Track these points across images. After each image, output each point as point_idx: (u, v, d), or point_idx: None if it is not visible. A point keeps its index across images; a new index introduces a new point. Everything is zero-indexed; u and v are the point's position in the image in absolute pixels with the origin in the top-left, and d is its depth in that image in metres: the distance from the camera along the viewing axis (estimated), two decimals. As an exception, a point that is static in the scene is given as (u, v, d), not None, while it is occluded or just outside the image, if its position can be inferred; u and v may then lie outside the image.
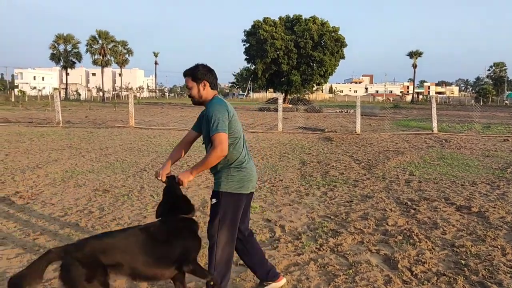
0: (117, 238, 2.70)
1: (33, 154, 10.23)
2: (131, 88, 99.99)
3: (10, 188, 6.71)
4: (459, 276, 3.60)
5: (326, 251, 4.21)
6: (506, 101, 78.42)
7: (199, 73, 3.03)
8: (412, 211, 5.64)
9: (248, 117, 27.18)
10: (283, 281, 3.39)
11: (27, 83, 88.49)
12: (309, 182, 7.51)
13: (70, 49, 67.66)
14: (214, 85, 3.08)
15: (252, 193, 3.15)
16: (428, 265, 3.83)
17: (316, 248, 4.29)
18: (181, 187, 3.01)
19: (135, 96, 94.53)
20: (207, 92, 3.05)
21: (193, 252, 2.83)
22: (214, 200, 3.04)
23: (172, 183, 2.99)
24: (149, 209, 5.63)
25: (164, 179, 3.02)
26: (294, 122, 22.20)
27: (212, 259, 2.98)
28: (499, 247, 4.31)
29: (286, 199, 6.32)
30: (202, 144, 3.19)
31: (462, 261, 3.94)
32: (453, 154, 11.12)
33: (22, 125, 18.42)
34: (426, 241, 4.45)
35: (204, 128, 3.05)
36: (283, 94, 44.43)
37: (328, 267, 3.82)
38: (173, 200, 2.97)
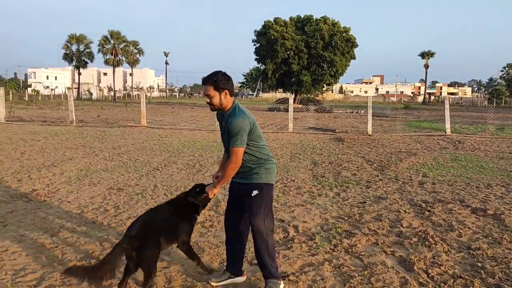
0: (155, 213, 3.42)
1: (48, 153, 10.37)
2: (141, 88, 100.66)
3: (27, 186, 6.81)
4: (476, 279, 3.58)
5: (341, 252, 4.21)
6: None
7: (221, 83, 3.13)
8: (427, 213, 5.61)
9: (258, 117, 27.19)
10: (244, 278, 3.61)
11: (40, 82, 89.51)
12: (321, 183, 7.50)
13: (82, 49, 68.29)
14: (232, 92, 3.25)
15: None
16: (445, 268, 3.81)
17: (330, 248, 4.29)
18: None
19: (146, 95, 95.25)
20: (227, 100, 3.20)
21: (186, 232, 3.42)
22: (255, 192, 3.23)
23: (198, 193, 3.47)
24: (164, 208, 5.67)
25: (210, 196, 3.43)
26: (305, 122, 22.17)
27: (264, 247, 3.23)
28: (516, 250, 4.27)
29: (299, 200, 6.32)
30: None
31: (478, 263, 3.92)
32: (467, 156, 11.02)
33: (37, 124, 18.65)
34: (441, 243, 4.42)
35: (224, 133, 3.25)
36: (293, 94, 44.35)
37: (343, 268, 3.82)
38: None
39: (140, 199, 6.17)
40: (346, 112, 35.96)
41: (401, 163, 9.64)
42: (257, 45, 45.97)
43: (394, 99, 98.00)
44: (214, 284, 3.46)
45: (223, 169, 3.28)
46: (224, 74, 3.19)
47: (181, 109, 36.94)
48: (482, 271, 3.74)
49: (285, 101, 37.64)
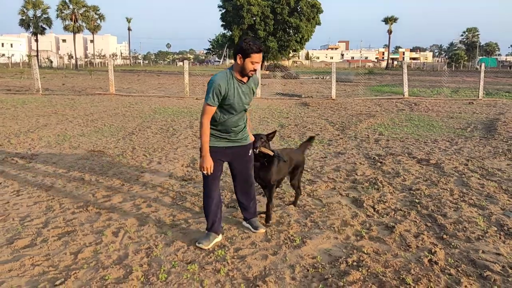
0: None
1: (21, 120, 10.54)
2: (104, 55, 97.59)
3: (9, 150, 7.15)
4: (412, 211, 4.38)
5: (304, 195, 4.92)
6: (477, 66, 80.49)
7: None
8: (379, 164, 6.41)
9: (226, 84, 27.43)
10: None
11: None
12: (288, 142, 8.18)
13: (39, 15, 65.27)
14: None
15: None
16: (388, 204, 4.60)
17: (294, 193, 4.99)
18: None
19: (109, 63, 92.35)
20: None
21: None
22: (250, 151, 3.80)
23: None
24: (144, 166, 6.22)
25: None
26: (272, 89, 22.73)
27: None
28: (449, 189, 5.12)
29: (268, 156, 6.98)
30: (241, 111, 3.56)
31: (416, 200, 4.73)
32: (420, 117, 11.98)
33: (1, 92, 18.35)
34: (388, 186, 5.22)
35: (254, 92, 3.63)
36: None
37: (305, 207, 4.54)
38: None
39: (122, 159, 6.66)
40: (312, 78, 36.70)
41: (361, 124, 10.46)
42: (223, 11, 45.57)
43: (359, 64, 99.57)
44: (206, 247, 3.50)
45: (248, 123, 3.86)
46: None
47: (147, 77, 36.57)
48: (418, 205, 4.55)
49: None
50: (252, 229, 3.86)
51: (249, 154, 3.78)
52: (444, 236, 3.74)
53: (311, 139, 5.11)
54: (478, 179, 5.60)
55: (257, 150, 3.87)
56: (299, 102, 16.22)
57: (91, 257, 3.32)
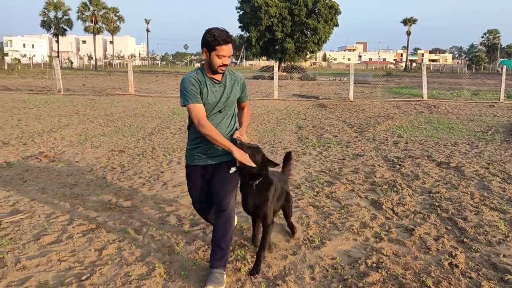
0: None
1: (44, 119, 10.80)
2: (123, 56, 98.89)
3: (33, 149, 7.34)
4: (432, 214, 4.36)
5: (322, 197, 4.94)
6: (498, 69, 78.96)
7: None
8: (398, 166, 6.38)
9: (243, 85, 27.58)
10: None
11: (17, 51, 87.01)
12: (305, 144, 8.20)
13: (60, 16, 66.57)
14: None
15: None
16: (408, 206, 4.58)
17: (313, 195, 5.02)
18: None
19: (127, 64, 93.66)
20: None
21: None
22: (234, 169, 3.05)
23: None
24: (164, 166, 6.31)
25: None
26: (289, 90, 22.73)
27: (232, 226, 3.05)
28: (469, 193, 5.07)
29: (286, 158, 7.01)
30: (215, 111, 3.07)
31: (436, 203, 4.70)
32: (439, 119, 11.85)
33: (24, 93, 18.80)
34: (407, 189, 5.19)
35: (232, 92, 3.09)
36: (277, 62, 44.62)
37: (324, 208, 4.55)
38: None
39: (142, 159, 6.78)
40: (329, 80, 36.54)
41: (379, 126, 10.40)
42: (241, 13, 45.73)
43: (376, 66, 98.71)
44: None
45: (245, 119, 3.25)
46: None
47: (165, 78, 36.98)
48: (438, 208, 4.52)
49: (269, 69, 37.90)
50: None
51: (229, 171, 3.07)
52: (465, 240, 3.71)
53: (288, 156, 3.98)
54: (500, 182, 5.53)
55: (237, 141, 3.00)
56: (317, 103, 16.19)
57: (115, 254, 3.41)
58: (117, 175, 5.76)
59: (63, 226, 3.96)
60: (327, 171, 6.11)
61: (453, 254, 3.42)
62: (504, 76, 17.99)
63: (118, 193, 4.97)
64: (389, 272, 3.12)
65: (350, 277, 3.06)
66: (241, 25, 46.43)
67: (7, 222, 3.99)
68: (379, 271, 3.12)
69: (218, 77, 3.01)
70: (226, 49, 2.87)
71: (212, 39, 2.84)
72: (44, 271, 3.12)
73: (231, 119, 3.17)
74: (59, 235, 3.74)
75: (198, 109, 2.95)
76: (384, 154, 7.25)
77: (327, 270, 3.18)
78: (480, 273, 3.13)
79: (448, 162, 6.59)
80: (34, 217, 4.18)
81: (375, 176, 5.81)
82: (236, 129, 3.20)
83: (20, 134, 8.69)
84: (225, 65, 2.93)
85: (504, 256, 3.42)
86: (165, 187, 5.27)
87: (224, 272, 2.97)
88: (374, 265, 3.24)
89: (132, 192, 5.04)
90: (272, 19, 43.62)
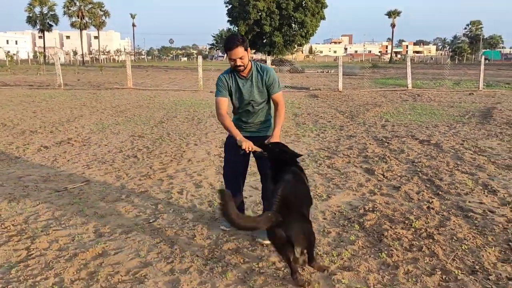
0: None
1: (57, 111, 11.57)
2: (108, 52, 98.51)
3: (62, 136, 8.18)
4: (415, 176, 5.37)
5: (324, 167, 5.92)
6: (480, 59, 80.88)
7: (247, 43, 3.43)
8: (386, 144, 7.39)
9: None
10: None
11: (0, 47, 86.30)
12: (303, 128, 9.17)
13: (46, 12, 66.36)
14: None
15: None
16: (395, 172, 5.59)
17: (316, 166, 5.99)
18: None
19: (114, 59, 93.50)
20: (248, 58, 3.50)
21: None
22: (242, 151, 3.44)
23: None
24: (184, 147, 7.22)
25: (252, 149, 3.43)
26: (281, 82, 23.57)
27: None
28: (445, 162, 6.10)
29: (288, 140, 7.96)
30: (246, 105, 3.57)
31: (418, 169, 5.72)
32: (423, 106, 12.93)
33: (25, 88, 19.39)
34: (395, 160, 6.20)
35: (257, 86, 3.54)
36: (266, 55, 45.52)
37: (327, 175, 5.53)
38: None
39: (162, 142, 7.67)
40: (317, 72, 37.59)
41: (368, 112, 11.43)
42: (229, 7, 46.43)
43: (362, 58, 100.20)
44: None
45: (279, 116, 3.56)
46: (242, 35, 3.51)
47: (156, 72, 37.59)
48: (420, 173, 5.54)
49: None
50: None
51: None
52: (440, 193, 4.73)
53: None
54: (471, 154, 6.57)
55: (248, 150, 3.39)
56: (308, 94, 17.18)
57: (168, 206, 4.34)
58: (146, 154, 6.66)
59: (118, 190, 4.86)
60: (325, 149, 7.08)
61: (430, 201, 4.42)
62: (482, 66, 19.19)
63: (152, 167, 5.88)
64: (382, 213, 4.11)
65: (352, 216, 4.04)
66: (230, 19, 47.17)
67: (72, 188, 4.88)
68: (375, 213, 4.11)
69: (243, 73, 3.50)
70: (232, 54, 3.34)
71: (223, 45, 3.47)
72: (118, 218, 4.03)
73: (265, 111, 3.67)
74: (119, 195, 4.65)
75: (221, 101, 3.50)
76: (374, 135, 8.26)
77: (335, 214, 4.15)
78: (450, 212, 4.14)
79: (429, 140, 7.63)
80: (91, 185, 5.07)
81: (367, 152, 6.81)
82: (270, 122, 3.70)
83: (41, 124, 9.48)
84: (238, 66, 3.39)
85: (469, 202, 4.43)
86: (191, 162, 6.19)
87: None
88: (371, 209, 4.22)
89: (164, 166, 5.95)
90: (260, 13, 44.44)
